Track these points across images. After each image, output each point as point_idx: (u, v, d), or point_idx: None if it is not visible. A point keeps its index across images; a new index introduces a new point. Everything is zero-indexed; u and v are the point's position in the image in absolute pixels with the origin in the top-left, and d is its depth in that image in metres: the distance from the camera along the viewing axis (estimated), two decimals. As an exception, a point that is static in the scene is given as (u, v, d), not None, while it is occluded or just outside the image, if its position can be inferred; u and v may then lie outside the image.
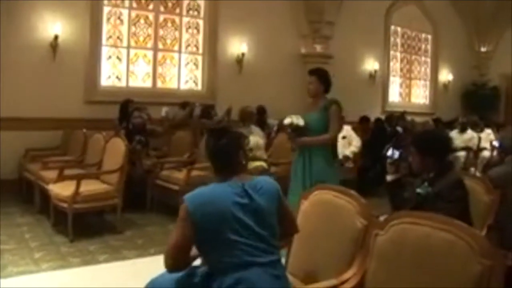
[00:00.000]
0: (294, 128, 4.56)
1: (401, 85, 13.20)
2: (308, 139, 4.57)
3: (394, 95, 12.97)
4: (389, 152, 3.71)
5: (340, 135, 7.41)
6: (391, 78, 12.79)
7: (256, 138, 6.54)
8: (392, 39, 12.70)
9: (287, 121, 4.55)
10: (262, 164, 6.43)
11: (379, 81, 12.13)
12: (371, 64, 11.86)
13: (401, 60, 13.12)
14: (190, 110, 7.99)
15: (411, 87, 13.46)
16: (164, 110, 8.01)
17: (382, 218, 2.64)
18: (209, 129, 2.81)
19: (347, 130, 7.70)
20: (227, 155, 2.52)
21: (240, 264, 2.33)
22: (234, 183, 2.45)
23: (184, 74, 9.27)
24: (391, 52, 12.71)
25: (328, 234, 2.79)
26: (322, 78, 4.69)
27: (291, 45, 10.30)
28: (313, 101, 4.74)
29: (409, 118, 11.00)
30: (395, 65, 12.93)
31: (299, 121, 4.52)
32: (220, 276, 2.36)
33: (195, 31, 9.37)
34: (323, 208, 2.90)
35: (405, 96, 13.31)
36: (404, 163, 3.58)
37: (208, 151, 2.59)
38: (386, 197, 3.84)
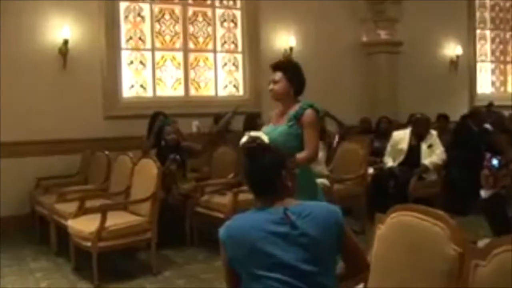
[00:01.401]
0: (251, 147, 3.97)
1: (493, 72, 12.89)
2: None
3: (485, 85, 12.67)
4: (494, 161, 3.56)
5: (425, 144, 7.36)
6: (480, 64, 12.51)
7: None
8: (478, 14, 12.39)
9: (244, 140, 3.92)
10: (323, 181, 6.41)
11: (464, 69, 11.93)
12: (451, 49, 11.69)
13: (492, 40, 12.79)
14: (225, 122, 8.05)
15: (507, 74, 13.12)
16: (194, 125, 8.08)
17: (481, 244, 2.57)
18: (246, 147, 2.82)
19: (433, 136, 7.56)
20: (267, 178, 2.55)
21: None
22: (274, 210, 2.47)
23: (222, 78, 9.39)
24: (478, 31, 12.43)
25: (413, 265, 2.73)
26: (292, 74, 4.17)
27: (348, 33, 10.31)
28: (281, 108, 4.23)
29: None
30: (483, 47, 12.63)
31: (260, 134, 3.96)
32: None
33: (231, 24, 9.48)
34: (405, 233, 2.85)
35: (499, 86, 13.00)
36: (504, 171, 3.48)
37: (244, 173, 2.64)
38: (480, 216, 3.76)
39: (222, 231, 2.54)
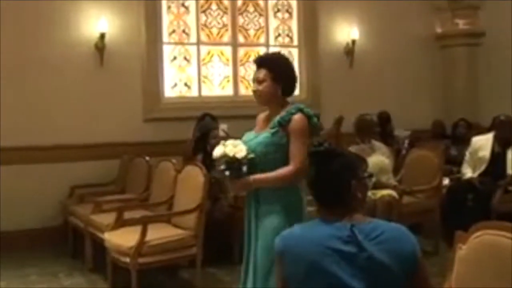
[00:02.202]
0: (230, 163, 3.66)
1: None
2: (258, 178, 3.75)
3: None
4: None
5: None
6: None
7: (379, 157, 6.47)
8: None
9: (217, 152, 3.68)
10: (390, 192, 6.34)
11: None
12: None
13: None
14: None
15: None
16: (221, 129, 8.08)
17: None
18: (310, 152, 2.77)
19: None
20: (334, 187, 2.52)
21: None
22: (340, 224, 2.44)
23: (280, 76, 9.35)
24: None
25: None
26: (279, 71, 3.84)
27: (419, 23, 10.20)
28: (267, 112, 3.95)
29: None
30: None
31: (238, 150, 3.63)
32: None
33: (286, 15, 9.48)
34: (492, 255, 2.77)
35: None
36: None
37: (308, 181, 2.62)
38: None
39: (278, 242, 2.54)
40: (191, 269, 5.85)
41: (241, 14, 9.18)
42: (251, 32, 9.26)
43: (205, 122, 7.46)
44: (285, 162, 3.70)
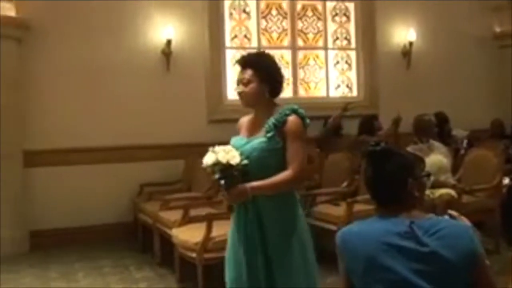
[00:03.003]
0: (223, 170, 3.23)
1: None
2: (255, 185, 3.29)
3: None
4: None
5: None
6: None
7: (438, 157, 6.38)
8: None
9: (208, 159, 3.26)
10: (449, 191, 6.26)
11: None
12: None
13: None
14: (332, 123, 8.03)
15: None
16: None
17: None
18: (368, 151, 2.75)
19: None
20: (391, 186, 2.51)
21: None
22: (398, 220, 2.42)
23: (334, 77, 9.37)
24: None
25: None
26: (265, 70, 3.41)
27: (477, 23, 10.02)
28: (253, 115, 3.58)
29: None
30: None
31: (231, 156, 3.22)
32: None
33: (344, 18, 9.45)
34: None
35: None
36: None
37: (366, 180, 2.60)
38: None
39: (338, 237, 2.54)
40: (255, 264, 5.88)
41: (300, 18, 9.19)
42: (310, 35, 9.26)
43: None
44: (282, 167, 3.30)
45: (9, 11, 7.14)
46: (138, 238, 7.42)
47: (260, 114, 3.43)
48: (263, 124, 3.32)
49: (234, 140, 3.46)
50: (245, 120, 3.61)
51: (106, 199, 7.72)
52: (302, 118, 3.32)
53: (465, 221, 2.65)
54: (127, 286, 5.95)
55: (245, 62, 3.46)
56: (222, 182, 3.22)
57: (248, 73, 3.38)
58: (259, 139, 3.31)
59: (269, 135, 3.27)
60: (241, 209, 3.41)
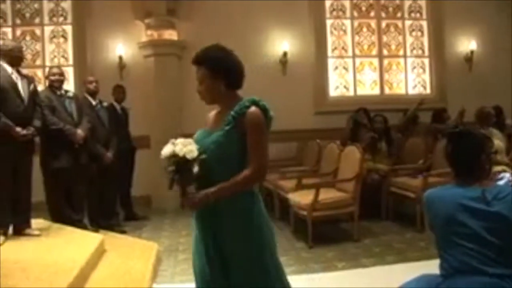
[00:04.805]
0: (179, 164, 2.44)
1: None
2: (214, 190, 2.44)
3: None
4: None
5: None
6: None
7: (495, 141, 6.06)
8: None
9: (166, 151, 2.47)
10: (505, 168, 5.96)
11: None
12: None
13: None
14: (409, 114, 7.82)
15: None
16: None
17: None
18: (448, 133, 2.70)
19: None
20: (468, 160, 2.45)
21: (467, 270, 2.30)
22: (472, 188, 2.39)
23: (412, 79, 9.08)
24: None
25: None
26: (215, 64, 2.59)
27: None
28: (219, 108, 2.69)
29: None
30: None
31: (189, 150, 2.44)
32: (450, 279, 2.36)
33: (419, 33, 9.12)
34: None
35: None
36: None
37: (447, 156, 2.54)
38: None
39: (424, 197, 2.55)
40: (350, 222, 5.86)
41: (385, 33, 8.99)
42: (393, 47, 9.02)
43: (358, 114, 7.45)
44: (242, 162, 2.47)
45: (172, 36, 7.42)
46: (262, 200, 7.49)
47: (223, 108, 2.61)
48: (225, 118, 2.52)
49: (198, 133, 2.65)
50: (212, 113, 2.72)
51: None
52: (263, 110, 2.55)
53: None
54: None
55: (196, 60, 2.63)
56: (177, 176, 2.45)
57: (200, 71, 2.60)
58: (218, 133, 2.51)
59: (226, 128, 2.48)
60: (202, 211, 2.55)
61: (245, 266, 2.48)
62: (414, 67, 9.10)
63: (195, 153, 2.43)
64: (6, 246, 4.40)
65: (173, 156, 2.43)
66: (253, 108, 2.51)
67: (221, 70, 2.57)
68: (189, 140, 2.49)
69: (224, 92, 2.58)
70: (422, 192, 5.68)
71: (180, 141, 2.47)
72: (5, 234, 4.56)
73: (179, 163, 2.42)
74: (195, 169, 2.43)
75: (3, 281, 3.45)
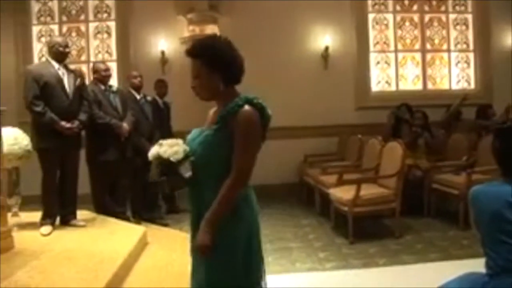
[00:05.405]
0: (164, 166, 2.27)
1: None
2: (208, 219, 2.20)
3: None
4: None
5: None
6: None
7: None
8: None
9: (152, 151, 2.29)
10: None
11: None
12: None
13: None
14: (452, 110, 7.64)
15: None
16: None
17: None
18: (496, 129, 2.64)
19: None
20: None
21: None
22: None
23: (455, 74, 8.87)
24: None
25: None
26: (213, 59, 2.28)
27: None
28: (216, 108, 2.43)
29: None
30: None
31: (173, 152, 2.24)
32: (496, 278, 2.32)
33: (463, 27, 8.89)
34: None
35: None
36: None
37: (494, 152, 2.49)
38: None
39: (470, 194, 2.50)
40: (391, 218, 5.78)
41: (428, 27, 8.79)
42: (436, 41, 8.82)
43: (400, 110, 7.34)
44: (230, 166, 2.22)
45: (214, 31, 7.44)
46: (303, 195, 7.54)
47: (219, 105, 2.36)
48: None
49: (192, 132, 2.42)
50: (211, 111, 2.47)
51: (279, 165, 7.83)
52: (259, 109, 2.28)
53: None
54: (296, 228, 6.10)
55: (191, 52, 2.33)
56: (162, 179, 2.29)
57: (196, 64, 2.32)
58: (206, 132, 2.31)
59: (215, 127, 2.27)
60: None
61: (212, 256, 2.20)
62: (458, 62, 8.88)
63: (179, 155, 2.23)
64: (54, 236, 4.57)
65: (157, 158, 2.26)
66: (246, 108, 2.24)
67: (220, 64, 2.29)
68: (177, 141, 2.30)
69: (221, 88, 2.31)
70: (466, 189, 5.62)
71: (167, 142, 2.29)
72: (52, 224, 4.73)
73: (165, 165, 2.25)
74: (185, 172, 2.23)
75: (52, 269, 3.57)
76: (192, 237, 2.32)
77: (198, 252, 2.22)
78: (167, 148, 2.24)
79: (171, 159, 2.21)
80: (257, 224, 2.35)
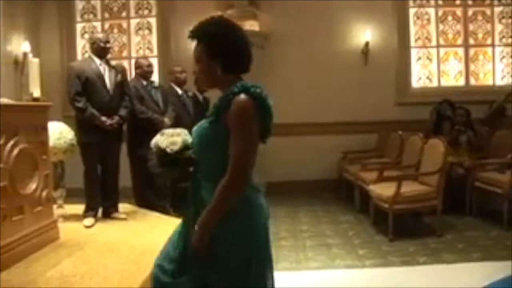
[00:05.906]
0: (161, 157, 2.15)
1: None
2: (201, 223, 2.02)
3: None
4: None
5: None
6: None
7: None
8: None
9: (153, 141, 2.20)
10: None
11: None
12: None
13: None
14: (496, 106, 7.45)
15: None
16: None
17: None
18: None
19: None
20: None
21: None
22: None
23: (500, 69, 8.62)
24: None
25: None
26: (214, 44, 2.08)
27: None
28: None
29: None
30: None
31: (171, 142, 2.13)
32: None
33: (509, 20, 8.63)
34: None
35: None
36: None
37: None
38: None
39: None
40: (432, 216, 5.67)
41: (471, 22, 8.56)
42: (480, 35, 8.58)
43: (442, 106, 7.21)
44: (226, 162, 2.00)
45: (254, 26, 7.46)
46: (342, 191, 7.48)
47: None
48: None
49: (200, 123, 2.19)
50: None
51: (319, 161, 7.84)
52: (257, 99, 2.02)
53: None
54: (335, 225, 6.05)
55: (194, 35, 2.14)
56: (158, 170, 2.18)
57: (198, 48, 2.13)
58: (203, 123, 2.12)
59: (210, 119, 2.07)
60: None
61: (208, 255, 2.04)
62: (503, 57, 8.61)
63: (177, 146, 2.10)
64: (96, 228, 4.68)
65: (155, 147, 2.14)
66: (241, 96, 1.98)
67: (220, 50, 2.07)
68: (180, 131, 2.18)
69: (221, 75, 2.09)
70: (510, 188, 5.49)
71: (169, 131, 2.18)
72: (95, 216, 4.84)
73: (160, 155, 2.12)
74: (183, 164, 2.10)
75: (96, 260, 3.66)
76: (190, 235, 2.10)
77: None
78: (167, 137, 2.14)
79: (167, 150, 2.10)
80: (258, 237, 2.08)
